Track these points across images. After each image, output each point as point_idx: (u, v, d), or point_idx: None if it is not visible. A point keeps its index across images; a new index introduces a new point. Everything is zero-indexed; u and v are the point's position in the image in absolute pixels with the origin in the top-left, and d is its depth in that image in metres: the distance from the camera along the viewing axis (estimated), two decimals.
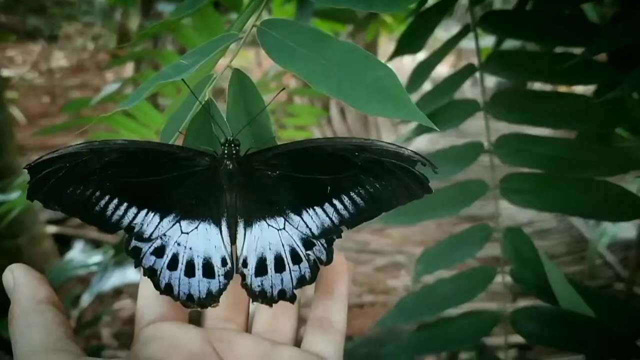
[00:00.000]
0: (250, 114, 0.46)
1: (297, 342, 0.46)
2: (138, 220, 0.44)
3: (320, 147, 0.44)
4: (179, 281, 0.44)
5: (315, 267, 0.45)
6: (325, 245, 0.45)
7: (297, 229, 0.45)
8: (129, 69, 3.95)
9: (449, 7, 0.89)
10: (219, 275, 0.45)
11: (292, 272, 0.45)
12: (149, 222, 0.44)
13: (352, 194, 0.44)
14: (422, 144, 4.00)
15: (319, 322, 0.46)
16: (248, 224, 0.46)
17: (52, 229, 2.76)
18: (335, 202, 0.44)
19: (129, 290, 2.57)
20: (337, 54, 0.42)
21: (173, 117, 0.47)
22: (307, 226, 0.45)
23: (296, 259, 0.45)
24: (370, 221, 0.46)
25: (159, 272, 0.44)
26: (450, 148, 0.86)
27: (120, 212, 0.44)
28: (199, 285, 0.45)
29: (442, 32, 0.91)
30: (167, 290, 0.44)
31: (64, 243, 2.61)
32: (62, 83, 6.54)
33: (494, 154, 0.81)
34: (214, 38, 0.46)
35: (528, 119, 0.79)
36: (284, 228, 0.46)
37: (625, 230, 2.53)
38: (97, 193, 0.43)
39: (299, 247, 0.45)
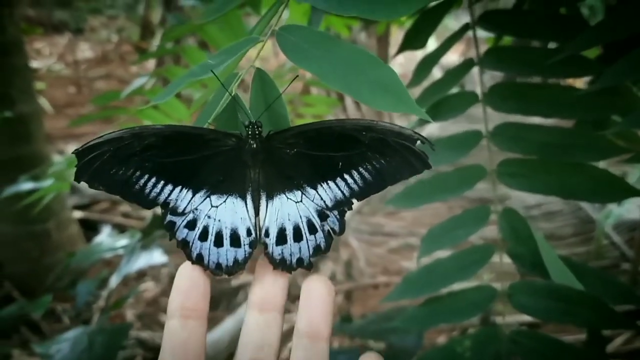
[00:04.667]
0: (271, 106, 0.51)
1: None
2: (173, 196, 0.49)
3: (331, 128, 0.49)
4: (209, 251, 0.49)
5: (329, 237, 0.49)
6: (337, 217, 0.49)
7: (312, 201, 0.49)
8: (151, 61, 4.01)
9: (450, 6, 0.95)
10: (244, 245, 0.49)
11: (308, 241, 0.49)
12: (182, 197, 0.49)
13: (360, 169, 0.48)
14: (433, 130, 4.05)
15: None
16: (269, 197, 0.50)
17: (78, 214, 2.82)
18: (346, 176, 0.48)
19: (152, 273, 2.63)
20: (344, 54, 0.47)
21: (204, 111, 0.53)
22: (322, 199, 0.49)
23: (312, 229, 0.49)
24: (384, 205, 0.51)
25: (191, 244, 0.49)
26: (452, 135, 0.91)
27: (157, 189, 0.48)
28: (227, 254, 0.49)
29: (453, 22, 0.96)
30: (198, 260, 0.48)
31: (89, 227, 2.67)
32: (88, 74, 6.61)
33: (492, 141, 0.87)
34: (238, 41, 0.52)
35: (521, 108, 0.84)
36: (301, 201, 0.50)
37: (630, 211, 2.56)
38: (137, 173, 0.48)
39: (314, 218, 0.49)
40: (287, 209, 0.50)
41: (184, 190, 0.50)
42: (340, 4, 0.51)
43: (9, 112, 1.90)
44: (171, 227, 0.49)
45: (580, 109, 0.81)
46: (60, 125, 4.03)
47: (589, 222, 2.97)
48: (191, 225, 0.50)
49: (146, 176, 0.49)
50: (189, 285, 0.43)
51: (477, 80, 0.92)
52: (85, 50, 7.50)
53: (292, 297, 2.42)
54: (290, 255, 0.50)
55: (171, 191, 0.49)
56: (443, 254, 0.93)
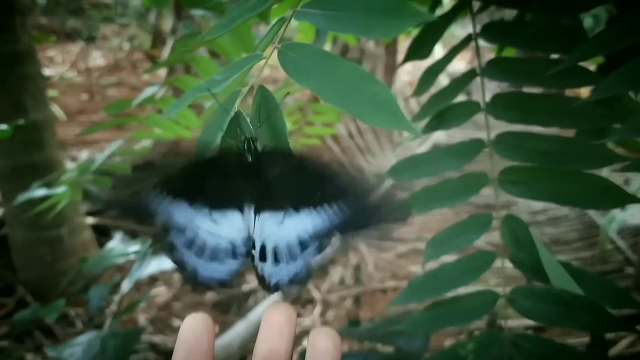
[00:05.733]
0: (271, 122, 0.52)
1: None
2: (174, 211, 0.49)
3: (313, 165, 0.50)
4: (204, 266, 0.49)
5: (309, 269, 0.48)
6: (319, 248, 0.48)
7: (294, 225, 0.48)
8: (163, 69, 4.05)
9: (454, 18, 0.97)
10: (235, 259, 0.49)
11: (288, 267, 0.48)
12: (183, 214, 0.50)
13: (339, 205, 0.47)
14: (441, 137, 4.08)
15: None
16: (258, 214, 0.49)
17: (91, 220, 2.84)
18: (327, 208, 0.47)
19: (164, 278, 2.65)
20: (343, 72, 0.49)
21: (210, 125, 0.55)
22: (303, 224, 0.48)
23: (292, 255, 0.48)
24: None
25: (187, 261, 0.49)
26: (455, 144, 0.93)
27: (164, 207, 0.49)
28: (220, 268, 0.49)
29: (460, 30, 0.99)
30: (192, 277, 0.49)
31: (102, 233, 2.69)
32: (100, 81, 6.65)
33: (494, 149, 0.89)
34: (242, 58, 0.54)
35: (522, 118, 0.86)
36: (283, 222, 0.49)
37: (634, 217, 2.58)
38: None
39: (295, 244, 0.48)
40: (270, 229, 0.50)
41: (185, 206, 0.50)
42: (338, 24, 0.52)
43: (22, 120, 1.92)
44: (172, 249, 0.50)
45: (580, 118, 0.83)
46: (73, 132, 4.06)
47: (594, 227, 2.99)
48: (189, 244, 0.50)
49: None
50: (193, 342, 0.43)
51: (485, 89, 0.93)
52: (97, 58, 7.55)
53: (303, 301, 2.43)
54: (270, 275, 0.49)
55: (173, 206, 0.50)
56: (449, 259, 0.95)
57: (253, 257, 0.49)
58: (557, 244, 2.93)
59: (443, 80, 1.02)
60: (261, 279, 0.49)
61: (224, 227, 0.50)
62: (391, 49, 4.33)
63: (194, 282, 0.49)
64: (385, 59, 4.59)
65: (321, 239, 0.48)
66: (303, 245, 0.48)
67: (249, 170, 0.51)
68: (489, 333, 0.88)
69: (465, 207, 1.03)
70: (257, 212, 0.50)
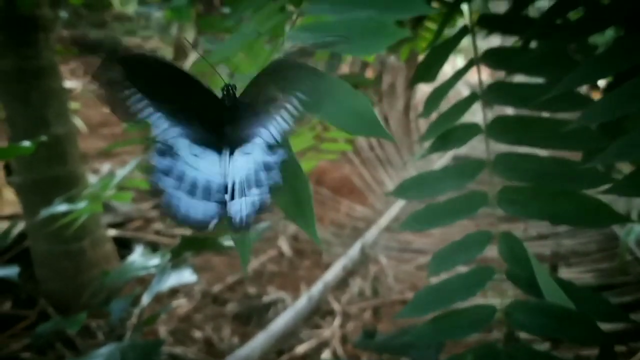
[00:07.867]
0: None
1: None
2: (152, 118, 0.53)
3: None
4: (181, 200, 0.50)
5: (271, 190, 0.49)
6: (279, 168, 0.50)
7: (264, 145, 0.51)
8: None
9: (457, 44, 1.01)
10: (214, 201, 0.51)
11: (255, 195, 0.49)
12: (160, 124, 0.53)
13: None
14: (462, 149, 4.08)
15: None
16: (232, 154, 0.52)
17: (112, 232, 2.87)
18: (288, 105, 0.51)
19: (185, 290, 2.68)
20: (327, 87, 0.53)
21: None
22: (273, 135, 0.51)
23: (258, 182, 0.50)
24: None
25: (165, 189, 0.50)
26: (457, 164, 0.98)
27: (139, 106, 0.53)
28: (198, 206, 0.50)
29: (482, 42, 1.02)
30: (167, 208, 0.50)
31: (123, 246, 2.74)
32: None
33: (493, 170, 0.92)
34: None
35: (518, 140, 0.90)
36: (251, 153, 0.51)
37: None
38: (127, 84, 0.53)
39: (261, 170, 0.50)
40: (240, 164, 0.52)
41: (163, 119, 0.53)
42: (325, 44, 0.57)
43: (45, 136, 1.93)
44: (150, 170, 0.51)
45: (573, 140, 0.87)
46: (95, 145, 4.09)
47: (613, 238, 2.96)
48: (168, 170, 0.51)
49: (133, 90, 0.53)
50: None
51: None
52: None
53: (323, 312, 2.45)
54: (240, 210, 0.50)
55: (151, 114, 0.53)
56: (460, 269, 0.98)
57: (224, 202, 0.51)
58: (576, 255, 2.90)
59: (464, 91, 1.06)
60: (231, 220, 0.50)
61: (203, 164, 0.52)
62: (411, 62, 4.35)
63: (169, 214, 0.50)
64: (406, 72, 4.62)
65: (287, 134, 0.52)
66: (268, 168, 0.51)
67: (225, 114, 0.54)
68: (486, 345, 0.90)
69: (486, 219, 1.06)
70: (232, 153, 0.53)
